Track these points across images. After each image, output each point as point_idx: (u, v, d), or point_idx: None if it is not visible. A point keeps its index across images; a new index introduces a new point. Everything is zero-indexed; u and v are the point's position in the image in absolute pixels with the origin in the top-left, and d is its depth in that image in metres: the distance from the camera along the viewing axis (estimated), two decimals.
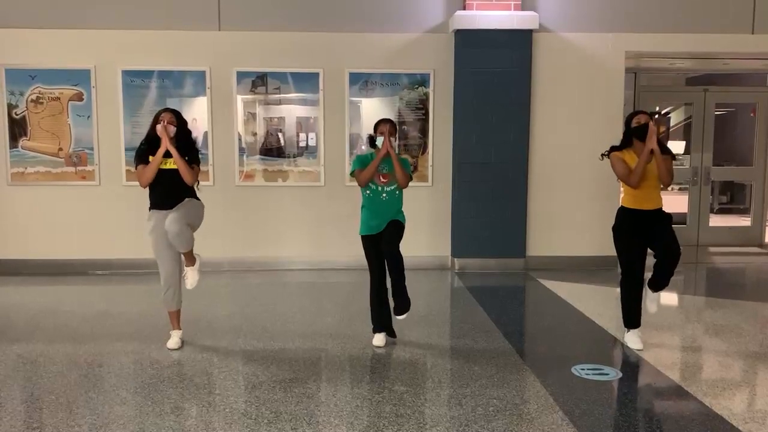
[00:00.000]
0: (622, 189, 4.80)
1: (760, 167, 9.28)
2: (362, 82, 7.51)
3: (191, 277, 4.84)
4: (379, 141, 4.65)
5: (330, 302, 6.18)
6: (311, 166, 7.59)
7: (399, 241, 4.65)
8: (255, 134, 7.54)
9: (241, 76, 7.44)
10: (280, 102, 7.53)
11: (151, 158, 4.55)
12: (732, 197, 11.50)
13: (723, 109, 10.61)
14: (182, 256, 4.76)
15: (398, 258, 4.60)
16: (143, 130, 7.17)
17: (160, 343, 4.78)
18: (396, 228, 4.67)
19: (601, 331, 5.24)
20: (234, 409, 3.67)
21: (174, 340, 4.74)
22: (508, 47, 7.32)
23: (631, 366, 4.47)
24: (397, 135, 4.82)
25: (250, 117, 7.53)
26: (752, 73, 9.69)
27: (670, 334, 5.07)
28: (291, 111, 7.56)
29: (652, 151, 4.44)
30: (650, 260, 4.75)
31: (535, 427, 3.43)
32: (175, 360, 4.52)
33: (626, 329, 4.79)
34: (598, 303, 6.16)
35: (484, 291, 6.71)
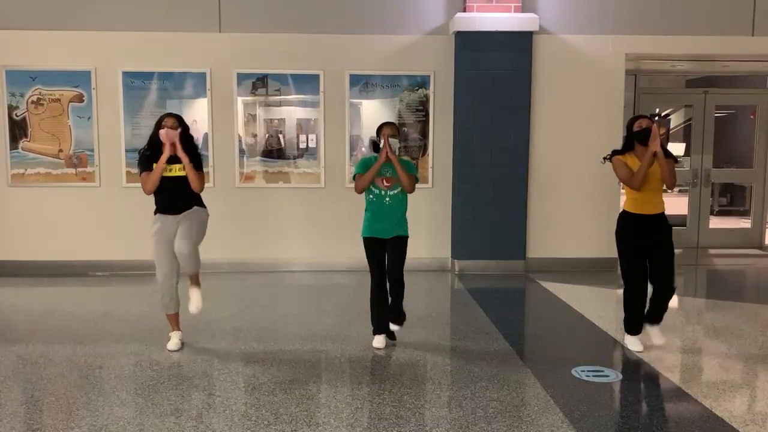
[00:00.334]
0: (623, 191, 4.80)
1: (760, 169, 9.28)
2: (362, 84, 7.52)
3: (195, 300, 4.77)
4: (382, 145, 4.64)
5: (330, 304, 6.17)
6: (311, 168, 7.59)
7: (404, 262, 4.71)
8: (255, 136, 7.55)
9: (242, 77, 7.44)
10: (280, 104, 7.53)
11: (155, 165, 4.54)
12: (732, 199, 11.51)
13: (723, 110, 10.62)
14: (188, 276, 4.76)
15: (402, 285, 4.71)
16: (144, 132, 7.27)
17: (160, 345, 4.78)
18: (402, 249, 4.69)
19: (601, 332, 5.24)
20: (234, 411, 3.67)
21: (174, 341, 4.74)
22: (509, 49, 7.32)
23: (632, 368, 4.47)
24: (400, 137, 4.80)
25: (251, 119, 7.54)
26: (752, 75, 9.71)
27: (671, 336, 5.06)
28: (291, 112, 7.56)
29: (655, 154, 4.45)
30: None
31: (535, 428, 3.43)
32: (175, 361, 4.52)
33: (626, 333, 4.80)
34: (598, 305, 6.16)
35: (484, 293, 6.70)
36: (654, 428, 3.52)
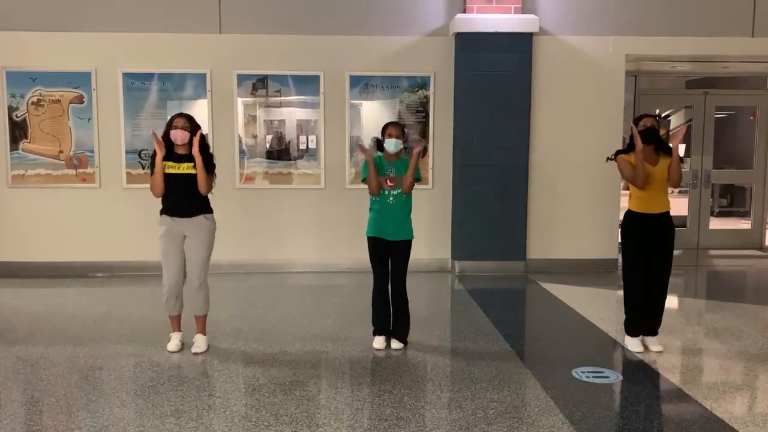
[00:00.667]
0: (626, 192, 4.80)
1: (761, 170, 9.28)
2: (363, 85, 7.52)
3: (200, 345, 4.72)
4: (387, 144, 4.65)
5: (330, 305, 6.17)
6: (312, 169, 7.59)
7: (407, 269, 4.76)
8: (255, 137, 7.55)
9: (242, 78, 7.44)
10: (280, 105, 7.54)
11: (168, 164, 4.52)
12: (732, 200, 11.50)
13: (723, 111, 10.62)
14: (196, 320, 4.76)
15: (405, 299, 4.76)
16: (144, 133, 7.30)
17: (161, 346, 4.78)
18: (405, 256, 4.75)
19: (601, 333, 5.24)
20: (234, 412, 3.67)
21: (174, 342, 4.73)
22: (509, 50, 7.32)
23: (632, 369, 4.47)
24: (405, 139, 4.83)
25: (251, 120, 7.54)
26: (752, 76, 9.71)
27: (671, 337, 5.06)
28: (291, 114, 7.56)
29: (657, 151, 4.51)
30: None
31: (535, 429, 3.43)
32: (175, 363, 4.51)
33: (626, 334, 4.81)
34: (598, 306, 6.16)
35: (485, 294, 6.70)
36: (654, 429, 3.52)
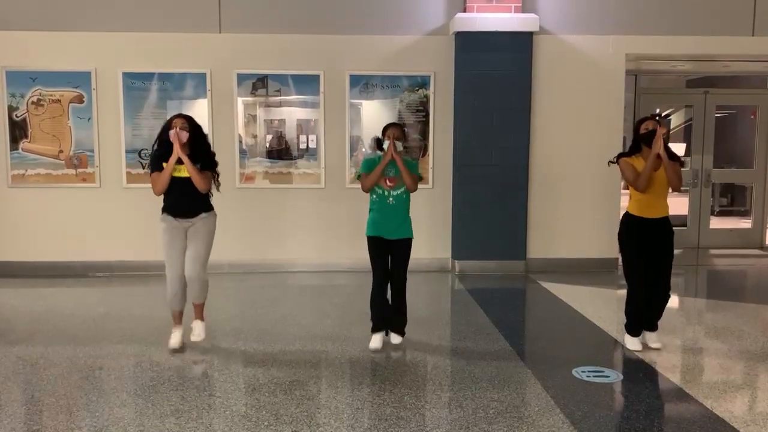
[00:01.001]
0: (626, 192, 4.80)
1: (761, 169, 9.28)
2: (362, 85, 7.52)
3: (198, 332, 4.75)
4: (386, 145, 4.65)
5: (330, 305, 6.17)
6: (312, 168, 7.59)
7: (407, 267, 4.76)
8: (255, 136, 7.55)
9: (242, 78, 7.44)
10: (280, 104, 7.53)
11: (164, 165, 4.52)
12: (732, 199, 11.50)
13: (723, 111, 10.61)
14: (194, 308, 4.77)
15: (404, 299, 4.76)
16: (144, 133, 7.30)
17: (161, 346, 4.78)
18: (405, 255, 4.75)
19: (601, 333, 5.23)
20: (234, 412, 3.67)
21: (176, 338, 4.72)
22: (509, 50, 7.32)
23: (632, 368, 4.47)
24: (405, 140, 4.82)
25: (251, 119, 7.54)
26: (753, 75, 9.70)
27: (671, 337, 5.06)
28: (291, 113, 7.56)
29: (659, 156, 4.46)
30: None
31: (535, 429, 3.42)
32: (175, 362, 4.51)
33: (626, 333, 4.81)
34: (598, 305, 6.16)
35: (485, 293, 6.70)
36: (655, 429, 3.51)
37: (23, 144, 7.38)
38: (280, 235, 7.64)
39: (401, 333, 4.82)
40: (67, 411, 3.70)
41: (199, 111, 7.35)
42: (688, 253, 8.94)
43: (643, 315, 4.71)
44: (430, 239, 7.64)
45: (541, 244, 7.66)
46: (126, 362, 4.53)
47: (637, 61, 8.00)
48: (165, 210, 4.65)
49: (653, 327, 4.75)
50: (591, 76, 7.52)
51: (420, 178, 4.78)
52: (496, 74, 7.34)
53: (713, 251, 9.19)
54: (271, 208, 7.60)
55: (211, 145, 4.95)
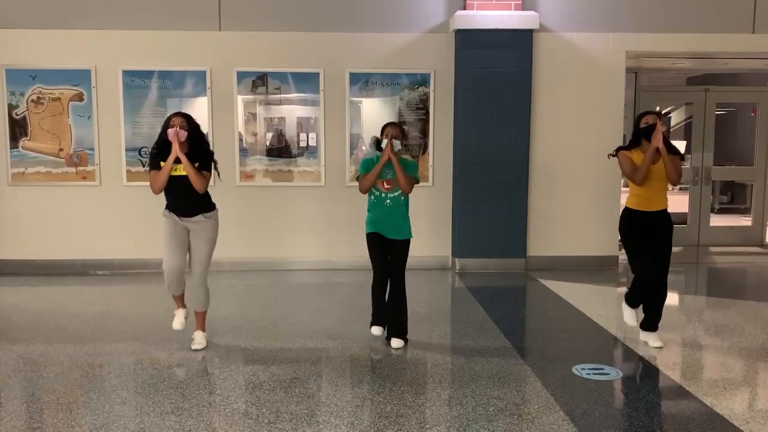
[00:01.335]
0: (626, 189, 4.81)
1: (761, 167, 9.28)
2: (362, 82, 7.51)
3: (199, 342, 4.73)
4: (385, 144, 4.63)
5: (330, 302, 6.17)
6: (312, 167, 7.59)
7: (405, 267, 4.73)
8: (255, 134, 7.55)
9: (242, 76, 7.44)
10: (280, 102, 7.53)
11: (162, 164, 4.51)
12: (733, 197, 11.50)
13: (724, 108, 10.61)
14: (195, 317, 4.76)
15: (404, 299, 4.72)
16: (144, 131, 7.30)
17: (161, 344, 4.78)
18: (404, 254, 4.72)
19: (601, 330, 5.24)
20: (235, 410, 3.67)
21: (179, 319, 4.73)
22: (509, 47, 7.32)
23: (632, 366, 4.48)
24: (404, 138, 4.80)
25: (251, 117, 7.54)
26: (753, 72, 9.69)
27: (672, 334, 5.06)
28: (291, 111, 7.56)
29: (658, 150, 4.47)
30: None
31: (535, 426, 3.43)
32: (175, 360, 4.52)
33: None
34: (598, 303, 6.16)
35: (485, 291, 6.70)
36: (655, 426, 3.52)
37: (23, 142, 7.38)
38: (280, 233, 7.64)
39: (403, 338, 4.79)
40: (67, 409, 3.70)
41: (199, 109, 7.36)
42: (689, 251, 8.94)
43: (648, 294, 4.68)
44: (431, 237, 7.65)
45: (542, 242, 7.66)
46: (126, 360, 4.53)
47: (637, 58, 8.00)
48: (167, 207, 4.65)
49: (654, 327, 4.76)
50: (591, 74, 7.52)
51: (416, 181, 4.71)
52: (497, 72, 7.34)
53: (713, 249, 9.19)
54: (272, 206, 7.60)
55: (210, 143, 4.93)
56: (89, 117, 7.38)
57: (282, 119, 7.56)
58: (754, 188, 9.48)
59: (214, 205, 4.73)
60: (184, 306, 4.80)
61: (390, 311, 4.76)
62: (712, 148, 9.22)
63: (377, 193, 4.68)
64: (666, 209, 4.66)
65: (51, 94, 7.34)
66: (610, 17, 7.49)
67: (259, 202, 7.58)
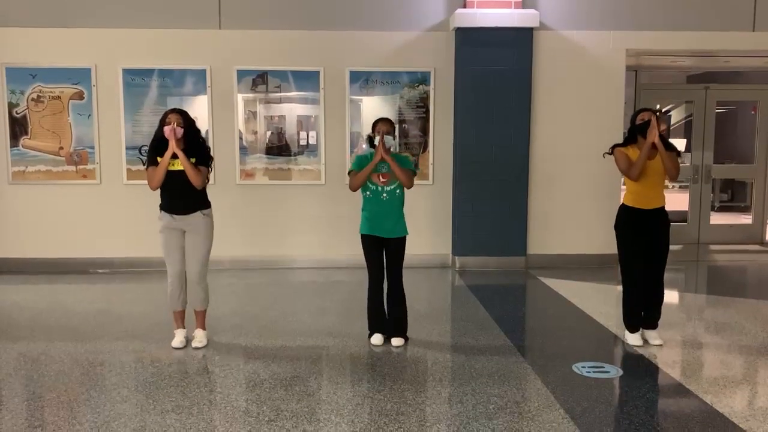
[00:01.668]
0: (624, 186, 4.81)
1: (761, 165, 9.28)
2: (363, 81, 7.51)
3: (200, 340, 4.75)
4: (378, 140, 4.64)
5: (331, 300, 6.18)
6: (312, 165, 7.59)
7: (402, 264, 4.71)
8: (255, 133, 7.54)
9: (242, 74, 7.44)
10: (280, 100, 7.53)
11: (159, 160, 4.52)
12: (733, 195, 11.50)
13: (724, 106, 10.61)
14: (195, 314, 4.77)
15: (402, 296, 4.72)
16: (144, 129, 7.30)
17: (162, 342, 4.79)
18: (400, 251, 4.71)
19: (602, 328, 5.24)
20: (235, 407, 3.68)
21: (178, 339, 4.73)
22: (509, 45, 7.31)
23: (632, 364, 4.47)
24: (396, 133, 4.79)
25: (251, 115, 7.54)
26: (753, 70, 9.69)
27: (672, 332, 5.07)
28: (291, 109, 7.56)
29: (654, 146, 4.48)
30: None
31: (535, 424, 3.43)
32: (176, 358, 4.52)
33: (626, 329, 4.82)
34: (599, 301, 6.16)
35: (485, 289, 6.71)
36: (655, 424, 3.52)
37: (23, 141, 7.38)
38: (280, 232, 7.65)
39: (403, 336, 4.80)
40: (68, 407, 3.70)
41: (200, 107, 7.36)
42: (689, 249, 8.94)
43: (641, 309, 4.73)
44: (431, 235, 7.65)
45: (542, 240, 7.67)
46: (127, 358, 4.54)
47: (637, 56, 7.99)
48: (162, 207, 4.65)
49: (653, 325, 4.77)
50: (591, 72, 7.52)
51: (414, 173, 4.71)
52: (497, 70, 7.34)
53: (713, 247, 9.19)
54: (272, 205, 7.60)
55: (207, 140, 4.94)
56: (89, 115, 7.38)
57: (282, 118, 7.55)
58: (754, 186, 9.48)
59: (209, 203, 4.74)
60: (184, 326, 4.80)
61: (389, 313, 4.76)
62: (713, 146, 9.22)
63: (373, 188, 4.67)
64: (663, 207, 4.66)
65: (51, 92, 7.34)
66: (610, 15, 7.49)
67: (260, 201, 7.58)
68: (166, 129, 4.47)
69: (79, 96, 7.36)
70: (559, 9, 7.47)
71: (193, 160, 4.54)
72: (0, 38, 7.26)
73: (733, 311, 5.79)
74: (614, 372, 4.22)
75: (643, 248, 4.65)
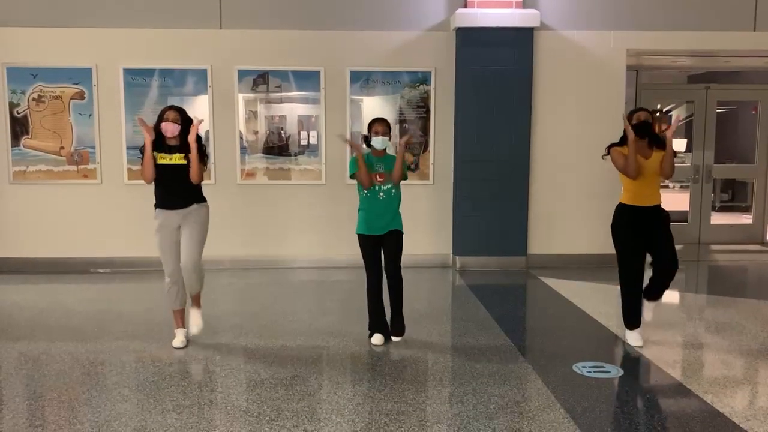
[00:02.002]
0: (622, 185, 4.82)
1: (762, 165, 9.28)
2: (363, 81, 7.51)
3: (195, 320, 4.79)
4: (374, 141, 4.66)
5: (331, 300, 6.18)
6: (312, 165, 7.59)
7: (401, 256, 4.73)
8: (256, 133, 7.55)
9: (243, 74, 7.44)
10: (281, 100, 7.53)
11: (156, 155, 4.55)
12: (733, 195, 11.48)
13: (725, 106, 10.59)
14: (191, 297, 4.78)
15: (400, 281, 4.72)
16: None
17: (162, 341, 4.79)
18: (398, 242, 4.72)
19: (602, 328, 5.24)
20: (236, 407, 3.68)
21: (179, 338, 4.73)
22: (510, 45, 7.31)
23: (633, 363, 4.47)
24: (391, 134, 4.81)
25: (252, 115, 7.54)
26: (754, 70, 9.68)
27: (672, 332, 5.07)
28: (292, 109, 7.56)
29: (650, 145, 4.55)
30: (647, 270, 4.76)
31: (536, 424, 3.43)
32: (176, 358, 4.52)
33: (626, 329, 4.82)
34: (599, 301, 6.16)
35: (486, 289, 6.70)
36: (655, 424, 3.52)
37: (24, 140, 7.38)
38: (280, 231, 7.65)
39: (403, 332, 4.82)
40: (68, 406, 3.71)
41: (200, 107, 7.36)
42: (689, 249, 8.93)
43: (639, 307, 4.72)
44: (431, 235, 7.65)
45: (542, 240, 7.66)
46: (127, 358, 4.54)
47: (638, 56, 7.99)
48: (158, 205, 4.67)
49: (657, 296, 4.74)
50: (592, 72, 7.52)
51: (405, 176, 4.74)
52: (497, 70, 7.34)
53: (714, 247, 9.19)
54: (272, 204, 7.60)
55: (203, 138, 4.97)
56: (90, 115, 7.39)
57: (283, 117, 7.56)
58: (755, 186, 9.47)
59: (205, 198, 4.77)
60: (184, 326, 4.81)
61: (385, 315, 4.77)
62: (713, 146, 9.22)
63: (370, 188, 4.69)
64: (660, 204, 4.67)
65: (52, 92, 7.34)
66: (611, 15, 7.49)
67: (260, 200, 7.59)
68: (164, 125, 4.53)
69: (80, 96, 7.37)
70: (560, 9, 7.47)
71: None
72: (1, 38, 7.26)
73: (734, 311, 5.79)
74: (615, 372, 4.22)
75: (641, 245, 4.66)
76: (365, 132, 4.78)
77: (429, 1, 7.46)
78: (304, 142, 7.57)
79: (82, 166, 7.44)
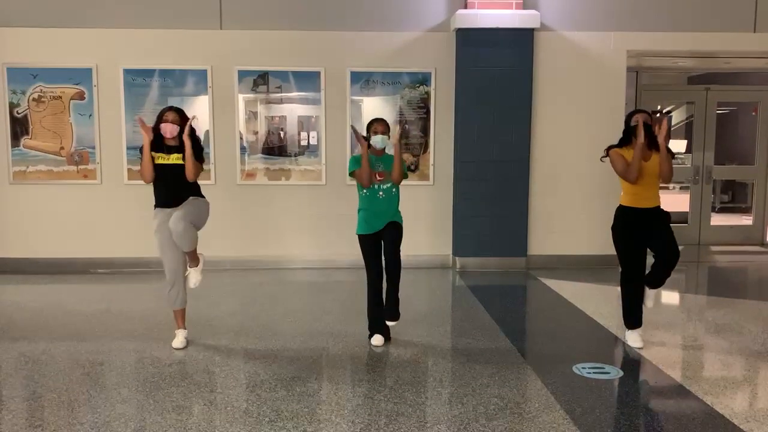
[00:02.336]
0: (621, 188, 4.82)
1: (762, 166, 9.28)
2: (363, 81, 7.51)
3: (194, 276, 4.84)
4: (374, 140, 4.67)
5: (331, 301, 6.18)
6: (313, 165, 7.59)
7: (400, 244, 4.72)
8: (256, 133, 7.55)
9: (243, 74, 7.44)
10: (281, 101, 7.53)
11: (154, 155, 4.58)
12: (733, 196, 11.49)
13: (725, 107, 10.60)
14: (186, 255, 4.76)
15: (399, 266, 4.70)
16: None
17: (162, 342, 4.79)
18: (397, 230, 4.72)
19: (602, 329, 5.24)
20: (235, 408, 3.68)
21: (179, 339, 4.73)
22: (510, 46, 7.32)
23: (633, 365, 4.47)
24: (389, 134, 4.81)
25: (252, 116, 7.54)
26: (754, 71, 9.68)
27: (672, 333, 5.07)
28: (292, 110, 7.56)
29: (650, 148, 4.51)
30: (650, 259, 4.77)
31: (536, 425, 3.43)
32: (176, 358, 4.52)
33: (627, 329, 4.82)
34: (599, 302, 6.16)
35: (486, 290, 6.71)
36: (655, 425, 3.52)
37: (24, 141, 7.38)
38: (280, 232, 7.65)
39: (395, 319, 4.77)
40: (68, 407, 3.71)
41: (200, 108, 7.36)
42: (689, 250, 8.93)
43: (640, 307, 4.72)
44: (431, 236, 7.65)
45: (542, 241, 7.67)
46: (127, 358, 4.54)
47: (638, 57, 7.99)
48: (157, 205, 4.69)
49: (658, 284, 4.73)
50: (592, 73, 7.52)
51: (405, 176, 4.74)
52: (497, 71, 7.34)
53: (714, 248, 9.19)
54: (272, 205, 7.61)
55: (201, 138, 4.98)
56: (90, 115, 7.39)
57: (283, 118, 7.56)
58: (754, 187, 9.48)
59: (204, 197, 4.79)
60: (184, 327, 4.81)
61: (384, 313, 4.77)
62: (713, 147, 9.22)
63: (369, 186, 4.70)
64: (659, 206, 4.67)
65: (52, 92, 7.34)
66: (611, 16, 7.49)
67: (260, 201, 7.59)
68: (163, 126, 4.55)
69: (80, 96, 7.37)
70: (560, 10, 7.47)
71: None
72: (1, 38, 7.26)
73: (734, 312, 5.79)
74: (615, 373, 4.22)
75: (642, 247, 4.66)
76: (364, 134, 4.78)
77: (429, 1, 7.47)
78: (304, 143, 7.57)
79: (82, 167, 7.44)
